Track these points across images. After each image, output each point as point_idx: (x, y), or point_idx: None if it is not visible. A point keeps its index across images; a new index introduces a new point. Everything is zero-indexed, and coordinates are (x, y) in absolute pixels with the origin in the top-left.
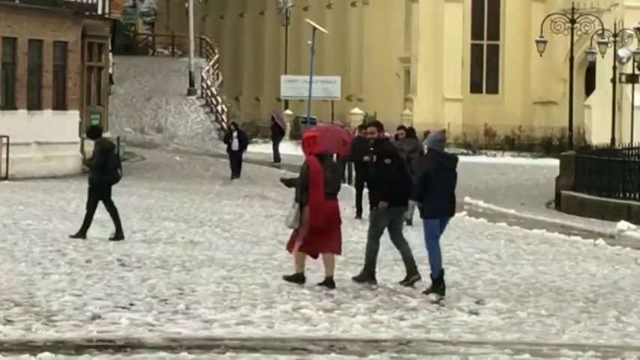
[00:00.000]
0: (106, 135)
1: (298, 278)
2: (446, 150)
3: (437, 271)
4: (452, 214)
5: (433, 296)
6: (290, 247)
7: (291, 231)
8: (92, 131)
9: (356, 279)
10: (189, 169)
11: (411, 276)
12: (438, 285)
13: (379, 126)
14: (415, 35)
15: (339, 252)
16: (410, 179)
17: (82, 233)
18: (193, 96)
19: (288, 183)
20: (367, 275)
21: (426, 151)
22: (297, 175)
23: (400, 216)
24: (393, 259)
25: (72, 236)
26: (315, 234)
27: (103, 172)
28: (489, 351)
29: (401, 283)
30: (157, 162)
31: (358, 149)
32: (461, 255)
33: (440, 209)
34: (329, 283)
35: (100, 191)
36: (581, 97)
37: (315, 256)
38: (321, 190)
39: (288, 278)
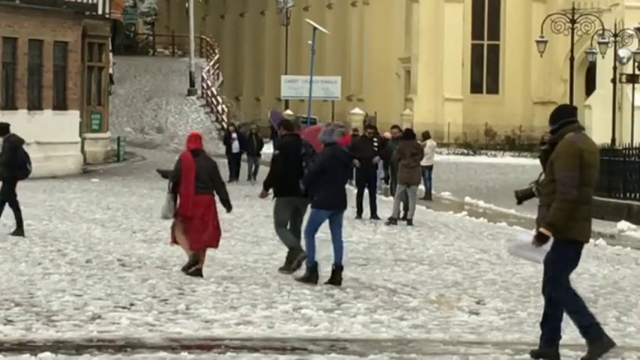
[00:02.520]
0: (108, 134)
1: (192, 265)
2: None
3: (311, 261)
4: (344, 207)
5: (433, 296)
6: (173, 239)
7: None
8: None
9: (281, 269)
10: None
11: (294, 262)
12: (313, 273)
13: (285, 123)
14: (415, 35)
15: (215, 245)
16: (303, 173)
17: (19, 230)
18: (193, 96)
19: (163, 174)
20: (291, 255)
21: (322, 145)
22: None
23: (302, 207)
24: (393, 259)
25: (11, 234)
26: (191, 227)
27: (13, 167)
28: (489, 351)
29: (280, 270)
30: (157, 162)
31: (362, 148)
32: (461, 255)
33: (332, 202)
34: (197, 273)
35: (8, 185)
36: (582, 97)
37: (191, 248)
38: (191, 184)
39: (187, 271)
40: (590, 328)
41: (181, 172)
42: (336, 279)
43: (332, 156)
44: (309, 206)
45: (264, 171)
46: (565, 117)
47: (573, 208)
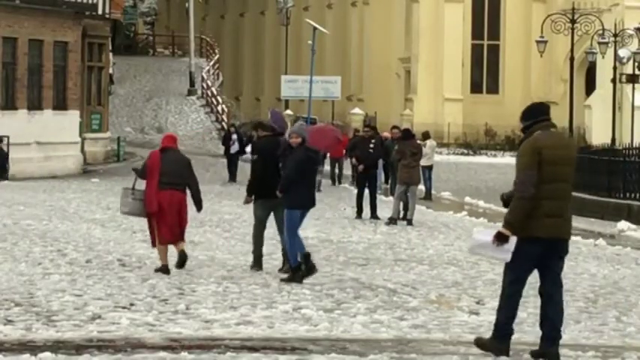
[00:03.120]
0: (108, 134)
1: (164, 269)
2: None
3: (295, 261)
4: (313, 205)
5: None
6: (153, 243)
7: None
8: None
9: (251, 267)
10: None
11: (286, 264)
12: (296, 273)
13: (262, 125)
14: (415, 35)
15: (178, 240)
16: (280, 174)
17: None
18: (193, 96)
19: (136, 171)
20: (255, 262)
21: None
22: None
23: (281, 208)
24: (393, 259)
25: None
26: (163, 224)
27: None
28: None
29: (279, 270)
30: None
31: (360, 148)
32: (461, 255)
33: (304, 202)
34: (163, 270)
35: None
36: (582, 97)
37: (160, 243)
38: (155, 181)
39: (156, 270)
40: (501, 326)
41: (147, 170)
42: (308, 266)
43: (307, 157)
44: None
45: None
46: (537, 115)
47: (532, 205)
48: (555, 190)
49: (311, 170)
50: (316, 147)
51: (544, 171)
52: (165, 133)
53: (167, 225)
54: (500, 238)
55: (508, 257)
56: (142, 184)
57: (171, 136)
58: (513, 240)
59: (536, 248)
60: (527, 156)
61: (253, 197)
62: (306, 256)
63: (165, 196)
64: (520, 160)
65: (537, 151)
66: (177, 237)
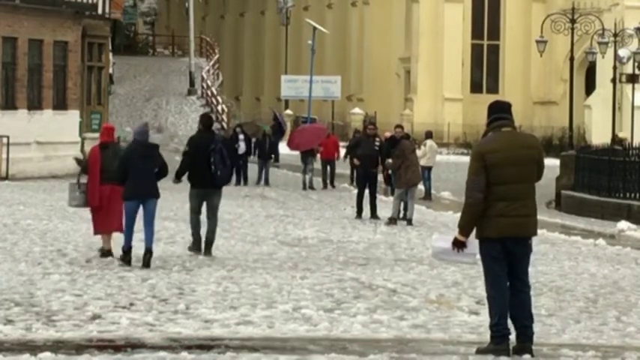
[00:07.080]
0: None
1: (106, 253)
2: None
3: (127, 245)
4: (153, 196)
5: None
6: (94, 230)
7: None
8: None
9: (189, 248)
10: None
11: (205, 250)
12: (125, 256)
13: (202, 119)
14: (415, 35)
15: (120, 230)
16: (210, 167)
17: None
18: (193, 96)
19: (78, 162)
20: (194, 244)
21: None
22: None
23: (210, 197)
24: (393, 259)
25: None
26: (100, 214)
27: None
28: None
29: (205, 254)
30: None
31: (363, 146)
32: None
33: (137, 192)
34: (105, 254)
35: None
36: (582, 97)
37: (95, 232)
38: (96, 176)
39: (101, 255)
40: (496, 328)
41: (88, 166)
42: (144, 261)
43: (131, 151)
44: (219, 194)
45: (271, 172)
46: (495, 113)
47: (482, 208)
48: (507, 190)
49: (138, 163)
50: (305, 145)
51: (490, 174)
52: (104, 125)
53: (104, 217)
54: (458, 244)
55: (473, 260)
56: (85, 178)
57: (109, 127)
58: (475, 242)
59: (495, 246)
60: (472, 162)
61: (187, 183)
62: (126, 252)
63: (105, 190)
64: (469, 165)
65: (480, 156)
66: (113, 229)
